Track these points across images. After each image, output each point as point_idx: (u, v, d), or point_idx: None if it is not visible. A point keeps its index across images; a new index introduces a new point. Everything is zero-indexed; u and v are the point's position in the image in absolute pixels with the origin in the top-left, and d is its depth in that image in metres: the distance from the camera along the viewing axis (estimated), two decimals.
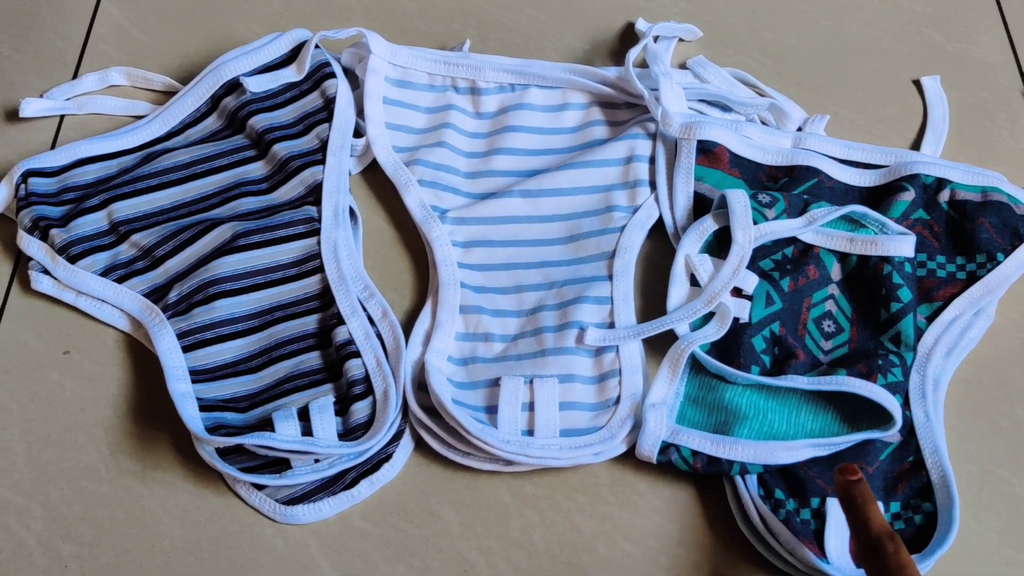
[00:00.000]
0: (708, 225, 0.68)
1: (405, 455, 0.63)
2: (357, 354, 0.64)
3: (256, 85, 0.74)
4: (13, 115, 0.77)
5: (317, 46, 0.76)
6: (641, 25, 0.81)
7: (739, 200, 0.66)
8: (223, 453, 0.61)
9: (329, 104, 0.73)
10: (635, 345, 0.65)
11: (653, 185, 0.71)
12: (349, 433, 0.62)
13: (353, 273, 0.68)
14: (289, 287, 0.68)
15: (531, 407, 0.62)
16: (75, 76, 0.80)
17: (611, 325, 0.66)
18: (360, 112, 0.75)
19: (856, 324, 0.66)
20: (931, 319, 0.66)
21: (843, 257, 0.67)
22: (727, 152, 0.71)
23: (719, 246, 0.67)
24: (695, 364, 0.64)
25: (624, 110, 0.75)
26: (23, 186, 0.70)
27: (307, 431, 0.61)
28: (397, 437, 0.63)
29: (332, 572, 0.59)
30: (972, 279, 0.67)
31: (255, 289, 0.67)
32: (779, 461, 0.60)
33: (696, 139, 0.71)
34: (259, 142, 0.73)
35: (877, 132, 0.77)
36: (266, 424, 0.61)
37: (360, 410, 0.62)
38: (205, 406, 0.63)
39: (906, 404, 0.63)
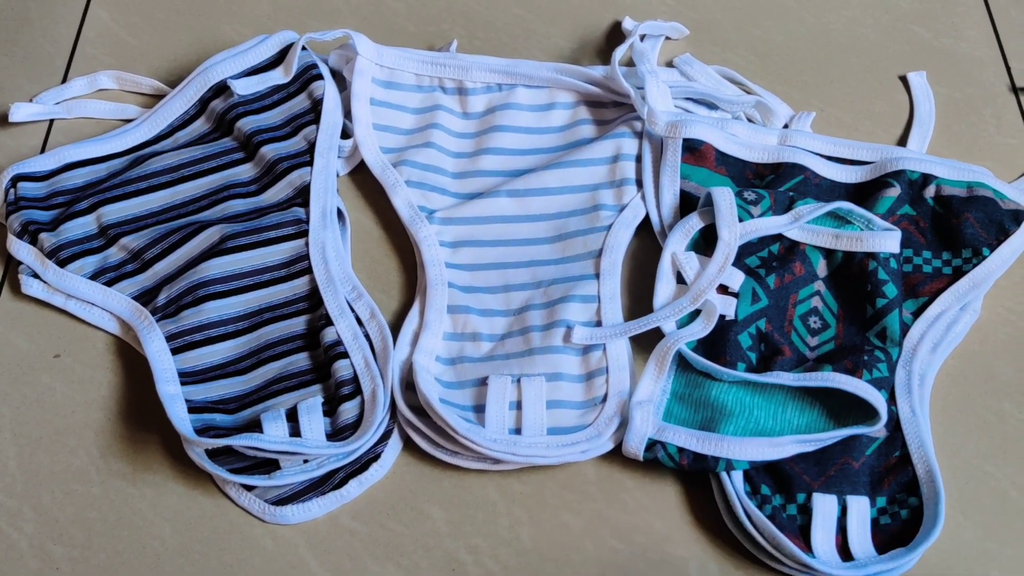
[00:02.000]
0: (694, 223, 0.68)
1: (393, 455, 0.63)
2: (345, 355, 0.64)
3: (243, 88, 0.74)
4: (2, 120, 0.77)
5: (304, 48, 0.76)
6: (628, 24, 0.81)
7: (725, 198, 0.67)
8: (213, 454, 0.61)
9: (316, 106, 0.74)
10: (622, 343, 0.65)
11: (639, 183, 0.72)
12: (337, 433, 0.62)
13: (341, 274, 0.68)
14: (278, 288, 0.68)
15: (519, 406, 0.63)
16: (64, 80, 0.80)
17: (598, 323, 0.66)
18: (347, 113, 0.75)
19: (842, 320, 0.66)
20: (917, 314, 0.66)
21: (829, 253, 0.68)
22: (713, 150, 0.71)
23: (705, 244, 0.68)
24: (682, 361, 0.65)
25: (611, 109, 0.76)
26: (12, 191, 0.70)
27: (295, 432, 0.61)
28: (385, 437, 0.63)
29: (321, 571, 0.60)
30: (958, 274, 0.67)
31: (244, 291, 0.67)
32: (765, 457, 0.60)
33: (682, 137, 0.71)
34: (247, 144, 0.73)
35: (863, 128, 0.77)
36: (255, 425, 0.62)
37: (348, 410, 0.62)
38: (194, 408, 0.63)
39: (892, 399, 0.63)
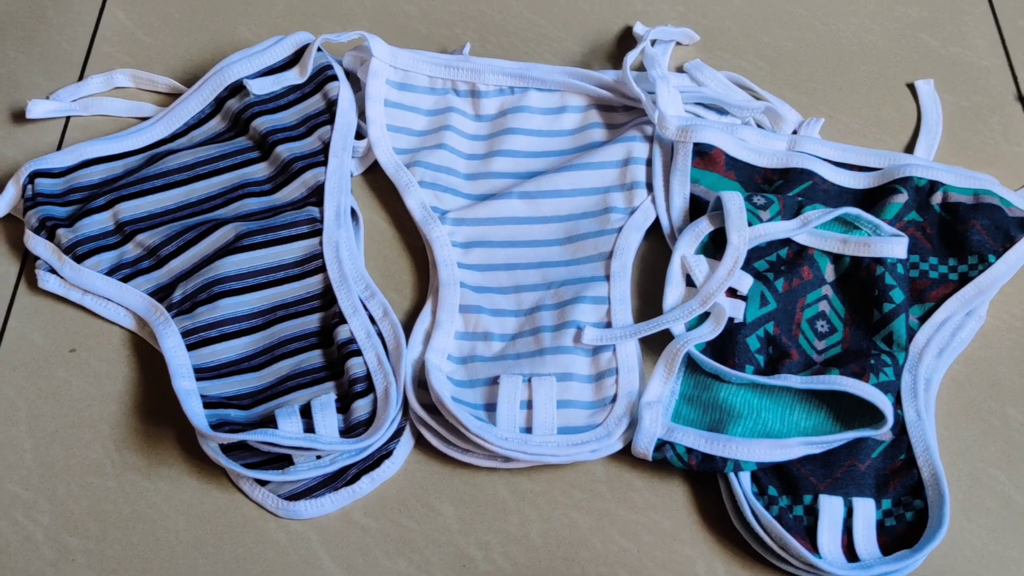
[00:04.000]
0: (704, 227, 0.68)
1: (405, 452, 0.64)
2: (358, 352, 0.65)
3: (259, 87, 0.75)
4: (20, 116, 0.78)
5: (319, 49, 0.77)
6: (639, 29, 0.82)
7: (734, 202, 0.67)
8: (227, 449, 0.62)
9: (331, 106, 0.74)
10: (632, 344, 0.66)
11: (650, 187, 0.72)
12: (350, 430, 0.63)
13: (354, 273, 0.69)
14: (291, 287, 0.69)
15: (529, 405, 0.63)
16: (81, 78, 0.81)
17: (608, 325, 0.67)
18: (361, 114, 0.76)
19: (849, 324, 0.67)
20: (923, 320, 0.67)
21: (836, 258, 0.68)
22: (723, 155, 0.72)
23: (715, 247, 0.68)
24: (690, 363, 0.65)
25: (622, 113, 0.76)
26: (30, 186, 0.71)
27: (309, 428, 0.62)
28: (398, 434, 0.64)
29: (333, 566, 0.60)
30: (964, 280, 0.68)
31: (258, 288, 0.68)
32: (773, 459, 0.60)
33: (692, 142, 0.72)
34: (262, 144, 0.74)
35: (871, 135, 0.78)
36: (269, 421, 0.62)
37: (361, 407, 0.63)
38: (209, 403, 0.64)
39: (898, 403, 0.64)
